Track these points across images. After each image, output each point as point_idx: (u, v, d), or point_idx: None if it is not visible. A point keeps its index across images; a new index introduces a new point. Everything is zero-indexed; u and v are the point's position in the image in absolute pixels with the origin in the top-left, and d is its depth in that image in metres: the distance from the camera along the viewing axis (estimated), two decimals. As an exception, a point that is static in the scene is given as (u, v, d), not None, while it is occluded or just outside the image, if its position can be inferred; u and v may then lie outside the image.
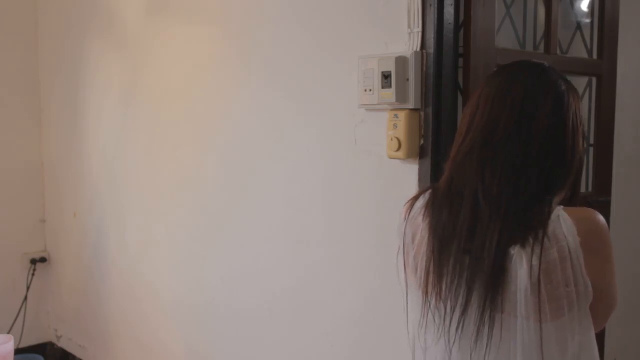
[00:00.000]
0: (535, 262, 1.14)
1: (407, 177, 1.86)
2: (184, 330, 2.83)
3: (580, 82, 2.56)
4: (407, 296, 1.35)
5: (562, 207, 1.20)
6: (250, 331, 2.47)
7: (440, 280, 1.24)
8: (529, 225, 1.17)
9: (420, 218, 1.30)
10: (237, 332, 2.54)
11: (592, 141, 2.50)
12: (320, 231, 2.15)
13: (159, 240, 2.93)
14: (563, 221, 1.16)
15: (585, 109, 2.52)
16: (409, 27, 1.83)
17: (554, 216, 1.17)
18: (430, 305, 1.27)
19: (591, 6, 2.56)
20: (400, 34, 1.85)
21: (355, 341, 2.08)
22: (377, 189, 1.96)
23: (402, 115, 1.82)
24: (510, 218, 1.18)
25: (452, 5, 1.79)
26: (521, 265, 1.15)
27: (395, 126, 1.84)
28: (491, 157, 1.22)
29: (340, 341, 2.12)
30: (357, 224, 2.02)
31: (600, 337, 2.33)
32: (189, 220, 2.74)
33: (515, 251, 1.16)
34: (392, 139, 1.84)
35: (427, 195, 1.32)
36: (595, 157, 2.48)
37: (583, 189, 2.52)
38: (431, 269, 1.26)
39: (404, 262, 1.33)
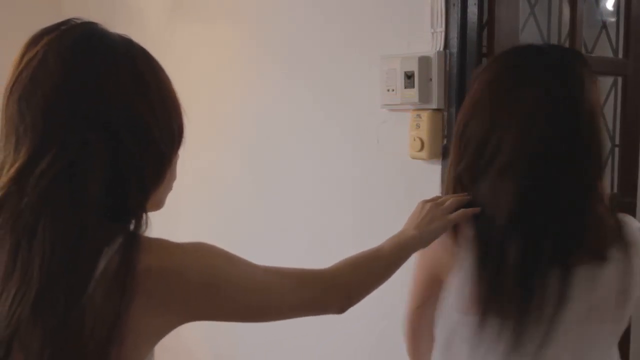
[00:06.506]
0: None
1: (430, 178, 1.85)
2: (207, 334, 2.84)
3: (605, 82, 2.53)
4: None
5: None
6: (272, 335, 2.47)
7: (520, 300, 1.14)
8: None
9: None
10: (259, 336, 2.53)
11: (617, 141, 2.47)
12: (343, 232, 2.15)
13: (179, 240, 2.94)
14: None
15: (610, 109, 2.49)
16: (432, 26, 1.82)
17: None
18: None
19: (616, 5, 2.53)
20: (423, 34, 1.84)
21: (378, 340, 2.07)
22: (399, 190, 1.95)
23: (425, 115, 1.81)
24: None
25: (475, 4, 1.78)
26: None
27: (417, 126, 1.83)
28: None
29: (364, 343, 2.11)
30: (380, 225, 2.01)
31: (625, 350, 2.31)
32: (210, 219, 2.75)
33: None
34: (414, 139, 1.83)
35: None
36: (621, 157, 2.45)
37: (608, 190, 2.49)
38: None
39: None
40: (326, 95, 2.18)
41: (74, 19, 0.92)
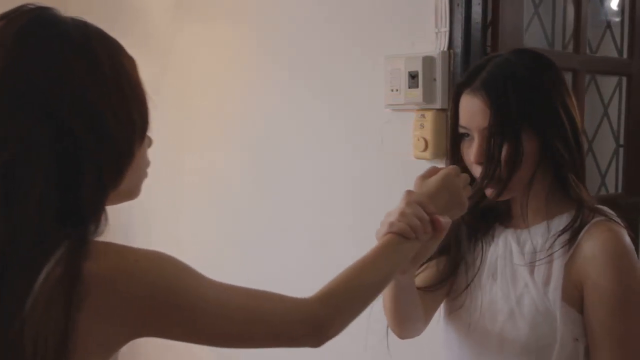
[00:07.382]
0: None
1: (434, 178, 1.84)
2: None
3: (609, 82, 2.52)
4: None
5: None
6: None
7: None
8: None
9: None
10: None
11: (622, 141, 2.47)
12: (345, 232, 2.14)
13: (183, 242, 2.94)
14: None
15: (614, 109, 2.48)
16: (436, 26, 1.81)
17: None
18: None
19: (621, 4, 2.53)
20: (427, 34, 1.84)
21: (379, 340, 2.06)
22: (403, 190, 1.93)
23: (429, 115, 1.81)
24: None
25: (479, 4, 1.77)
26: None
27: (421, 126, 1.83)
28: None
29: (370, 342, 2.11)
30: (383, 225, 2.00)
31: None
32: (210, 219, 2.74)
33: None
34: (418, 139, 1.83)
35: None
36: (626, 157, 2.44)
37: (612, 190, 2.49)
38: None
39: None
40: (329, 95, 2.17)
41: (28, 4, 0.83)
